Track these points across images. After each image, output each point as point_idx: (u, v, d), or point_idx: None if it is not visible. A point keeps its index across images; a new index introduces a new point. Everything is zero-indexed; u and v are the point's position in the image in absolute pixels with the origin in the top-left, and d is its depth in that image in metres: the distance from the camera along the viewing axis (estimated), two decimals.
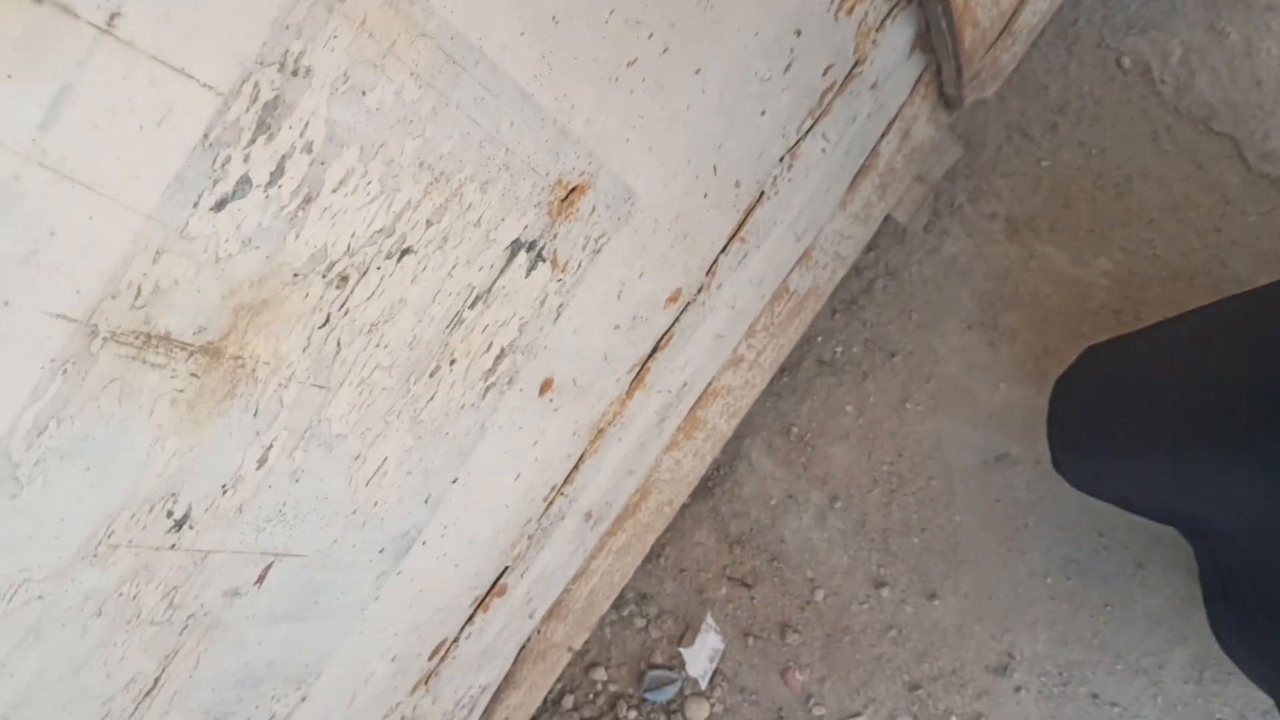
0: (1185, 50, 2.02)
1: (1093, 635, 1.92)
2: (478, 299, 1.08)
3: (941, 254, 2.10)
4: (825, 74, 1.43)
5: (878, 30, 1.49)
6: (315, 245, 0.84)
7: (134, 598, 0.92)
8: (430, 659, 1.54)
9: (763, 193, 1.53)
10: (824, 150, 1.60)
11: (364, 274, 0.91)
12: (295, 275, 0.84)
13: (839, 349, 2.14)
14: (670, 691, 2.12)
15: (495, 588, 1.58)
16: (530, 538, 1.57)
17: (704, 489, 2.17)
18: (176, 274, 0.75)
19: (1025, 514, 1.99)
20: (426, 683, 1.58)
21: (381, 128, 0.83)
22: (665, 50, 1.07)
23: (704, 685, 2.11)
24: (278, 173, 0.77)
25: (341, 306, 0.91)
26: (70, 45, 0.61)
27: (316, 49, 0.73)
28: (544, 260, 1.14)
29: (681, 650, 2.13)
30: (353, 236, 0.87)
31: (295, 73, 0.73)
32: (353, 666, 1.34)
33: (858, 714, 2.03)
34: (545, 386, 1.33)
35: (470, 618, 1.57)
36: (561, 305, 1.24)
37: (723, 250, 1.53)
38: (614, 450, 1.62)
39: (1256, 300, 1.30)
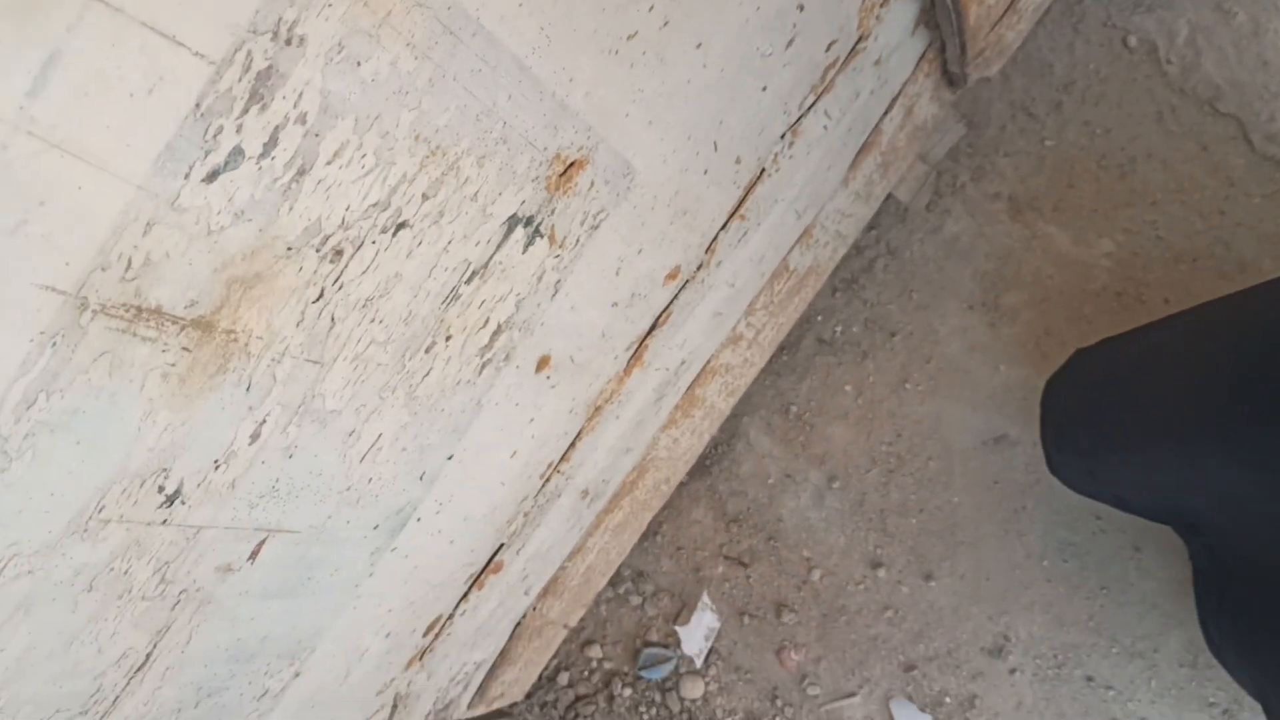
0: (1192, 30, 2.00)
1: (1088, 618, 1.92)
2: (474, 274, 1.07)
3: (943, 233, 2.08)
4: (828, 49, 1.41)
5: (882, 6, 1.47)
6: (309, 218, 0.83)
7: (125, 573, 0.91)
8: (425, 635, 1.54)
9: (764, 169, 1.51)
10: (826, 127, 1.58)
11: (359, 248, 0.90)
12: (289, 249, 0.83)
13: (839, 328, 2.13)
14: (665, 669, 2.12)
15: (491, 564, 1.58)
16: (526, 515, 1.56)
17: (701, 467, 2.17)
18: (168, 246, 0.74)
19: (1023, 496, 1.98)
20: (421, 659, 1.57)
21: (377, 99, 0.81)
22: (666, 23, 1.06)
23: (699, 664, 2.11)
24: (271, 144, 0.76)
25: (336, 281, 0.90)
26: (59, 11, 0.60)
27: (310, 17, 0.72)
28: (541, 236, 1.13)
29: (677, 628, 2.13)
30: (347, 210, 0.86)
31: (289, 41, 0.72)
32: (347, 642, 1.34)
33: (852, 694, 2.03)
34: (542, 363, 1.32)
35: (465, 594, 1.57)
36: (559, 281, 1.23)
37: (722, 227, 1.52)
38: (611, 428, 1.61)
39: (1251, 295, 1.30)
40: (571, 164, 1.09)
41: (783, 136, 1.49)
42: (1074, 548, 1.94)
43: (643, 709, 2.12)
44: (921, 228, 2.10)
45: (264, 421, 0.93)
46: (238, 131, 0.73)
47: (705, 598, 2.13)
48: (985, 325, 2.04)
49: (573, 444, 1.55)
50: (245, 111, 0.72)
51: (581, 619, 2.04)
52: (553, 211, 1.12)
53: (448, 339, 1.09)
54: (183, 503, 0.91)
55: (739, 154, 1.42)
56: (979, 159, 2.08)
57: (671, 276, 1.48)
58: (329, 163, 0.81)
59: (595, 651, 2.17)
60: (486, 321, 1.14)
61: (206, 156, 0.72)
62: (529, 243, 1.12)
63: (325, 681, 1.35)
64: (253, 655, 1.16)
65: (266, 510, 1.01)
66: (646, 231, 1.33)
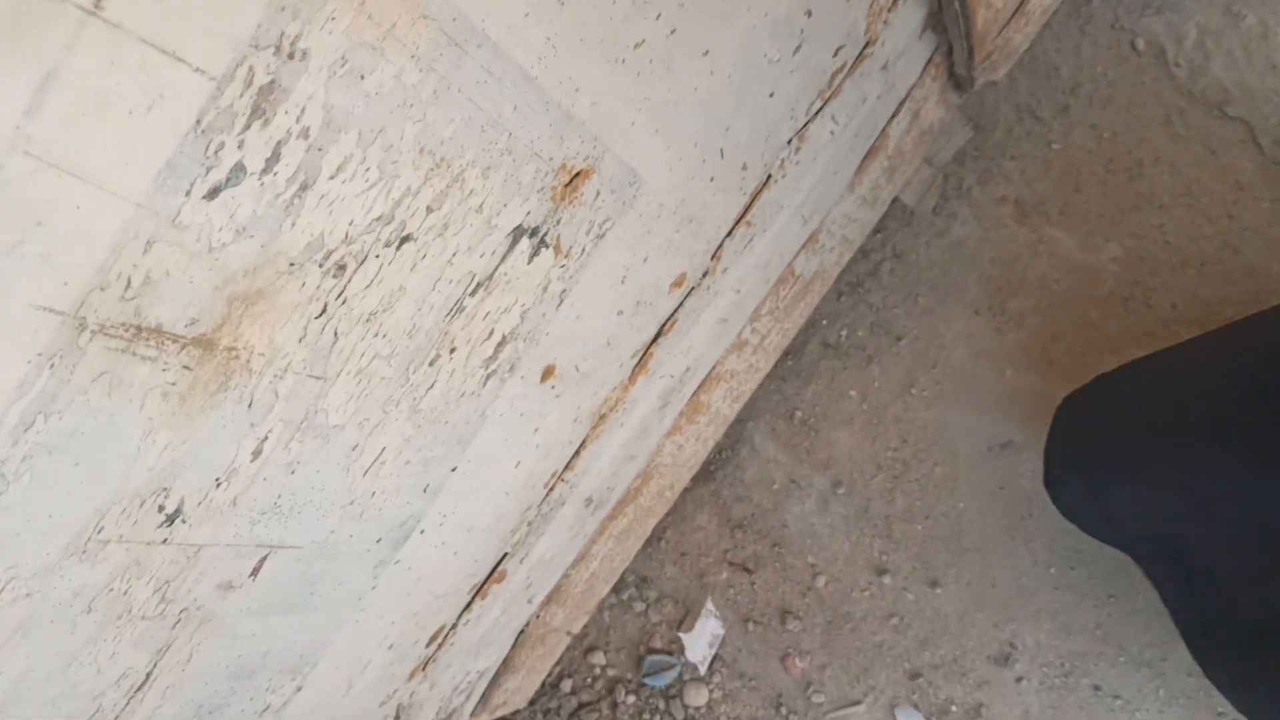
0: (1201, 33, 1.99)
1: (1096, 626, 1.90)
2: (479, 286, 1.05)
3: (949, 237, 2.07)
4: (835, 55, 1.40)
5: (889, 10, 1.45)
6: (312, 233, 0.81)
7: (125, 593, 0.90)
8: (428, 646, 1.53)
9: (770, 176, 1.50)
10: (833, 132, 1.57)
11: (362, 262, 0.88)
12: (291, 264, 0.82)
13: (844, 332, 2.12)
14: (669, 676, 2.10)
15: (494, 574, 1.56)
16: (530, 524, 1.55)
17: (706, 473, 2.15)
18: (168, 264, 0.72)
19: (1029, 502, 1.97)
20: (424, 669, 1.56)
21: (381, 112, 0.80)
22: (673, 31, 1.04)
23: (703, 671, 2.10)
24: (273, 159, 0.74)
25: (339, 295, 0.88)
26: (56, 29, 0.58)
27: (313, 31, 0.70)
28: (547, 246, 1.12)
29: (681, 635, 2.12)
30: (350, 224, 0.84)
31: (291, 56, 0.70)
32: (350, 655, 1.32)
33: (857, 702, 2.02)
34: (547, 373, 1.30)
35: (469, 604, 1.55)
36: (564, 291, 1.21)
37: (728, 234, 1.51)
38: (616, 436, 1.60)
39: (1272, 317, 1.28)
40: (577, 174, 1.07)
41: (789, 142, 1.47)
42: (1081, 555, 1.92)
43: (646, 716, 2.11)
44: (927, 231, 2.08)
45: (266, 438, 0.91)
46: (239, 147, 0.71)
47: (709, 604, 2.12)
48: (991, 330, 2.03)
49: (577, 453, 1.53)
50: (247, 127, 0.71)
51: (585, 626, 2.02)
52: (558, 221, 1.10)
53: (452, 351, 1.08)
54: (183, 521, 0.89)
55: (745, 160, 1.40)
56: (985, 162, 2.06)
57: (677, 284, 1.47)
58: (332, 177, 0.80)
59: (599, 658, 2.16)
60: (491, 333, 1.13)
61: (208, 173, 0.71)
62: (534, 253, 1.10)
63: (327, 695, 1.34)
64: (254, 671, 1.14)
65: (268, 527, 1.00)
66: (652, 239, 1.32)
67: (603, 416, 1.53)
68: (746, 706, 2.07)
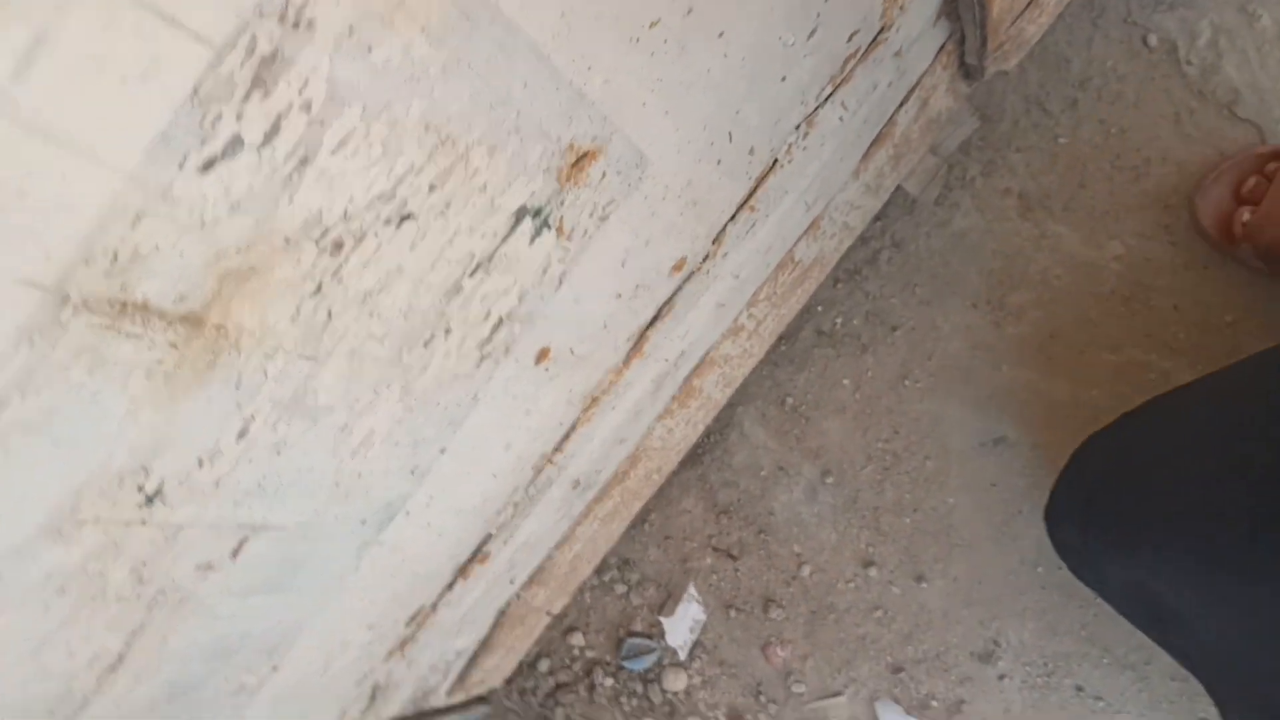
0: (1214, 31, 1.95)
1: (1081, 627, 1.89)
2: (478, 267, 1.02)
3: (951, 228, 2.04)
4: (850, 40, 1.36)
5: None
6: (310, 210, 0.78)
7: (100, 574, 0.86)
8: (407, 625, 1.50)
9: (776, 160, 1.46)
10: (842, 118, 1.53)
11: (360, 240, 0.85)
12: (286, 241, 0.78)
13: (839, 320, 2.09)
14: (648, 660, 2.08)
15: (478, 555, 1.53)
16: (516, 505, 1.52)
17: (694, 457, 2.12)
18: (157, 239, 0.69)
19: (1020, 500, 1.95)
20: (402, 649, 1.53)
21: (387, 87, 0.76)
22: (690, 11, 1.00)
23: (683, 656, 2.08)
24: (272, 132, 0.70)
25: (334, 274, 0.85)
26: None
27: (320, 0, 0.66)
28: (549, 228, 1.08)
29: (662, 619, 2.09)
30: (350, 201, 0.81)
31: (296, 25, 0.66)
32: (329, 636, 1.29)
33: (838, 693, 2.00)
34: (542, 355, 1.27)
35: (450, 585, 1.53)
36: (564, 273, 1.18)
37: (731, 219, 1.47)
38: (607, 419, 1.57)
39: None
40: (584, 154, 1.03)
41: (798, 127, 1.44)
42: None
43: (624, 699, 2.09)
44: (929, 221, 2.05)
45: (253, 419, 0.88)
46: (238, 119, 0.67)
47: (692, 589, 2.10)
48: (989, 324, 2.00)
49: (567, 435, 1.50)
50: (247, 98, 0.67)
51: (565, 606, 2.00)
52: (562, 203, 1.07)
53: (447, 332, 1.04)
54: (163, 502, 0.86)
55: (753, 144, 1.37)
56: (990, 154, 2.03)
57: (677, 268, 1.43)
58: (333, 152, 0.76)
59: (578, 640, 2.13)
60: (488, 314, 1.09)
61: (203, 145, 0.67)
62: (536, 234, 1.07)
63: (305, 674, 1.31)
64: (232, 652, 1.11)
65: (251, 508, 0.96)
66: (656, 223, 1.28)
67: (595, 399, 1.50)
68: (725, 694, 2.06)
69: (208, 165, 0.68)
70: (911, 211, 2.06)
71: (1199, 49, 1.96)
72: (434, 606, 1.52)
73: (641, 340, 1.49)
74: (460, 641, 1.72)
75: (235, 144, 0.69)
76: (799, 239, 1.73)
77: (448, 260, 0.96)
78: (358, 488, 1.10)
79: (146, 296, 0.71)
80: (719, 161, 1.31)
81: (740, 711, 2.04)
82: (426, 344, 1.02)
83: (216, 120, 0.67)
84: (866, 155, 1.73)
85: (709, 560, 2.11)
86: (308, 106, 0.71)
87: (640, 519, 2.13)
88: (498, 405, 1.25)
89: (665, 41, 1.01)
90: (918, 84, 1.71)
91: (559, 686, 2.12)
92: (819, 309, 2.10)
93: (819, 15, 1.23)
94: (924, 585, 1.99)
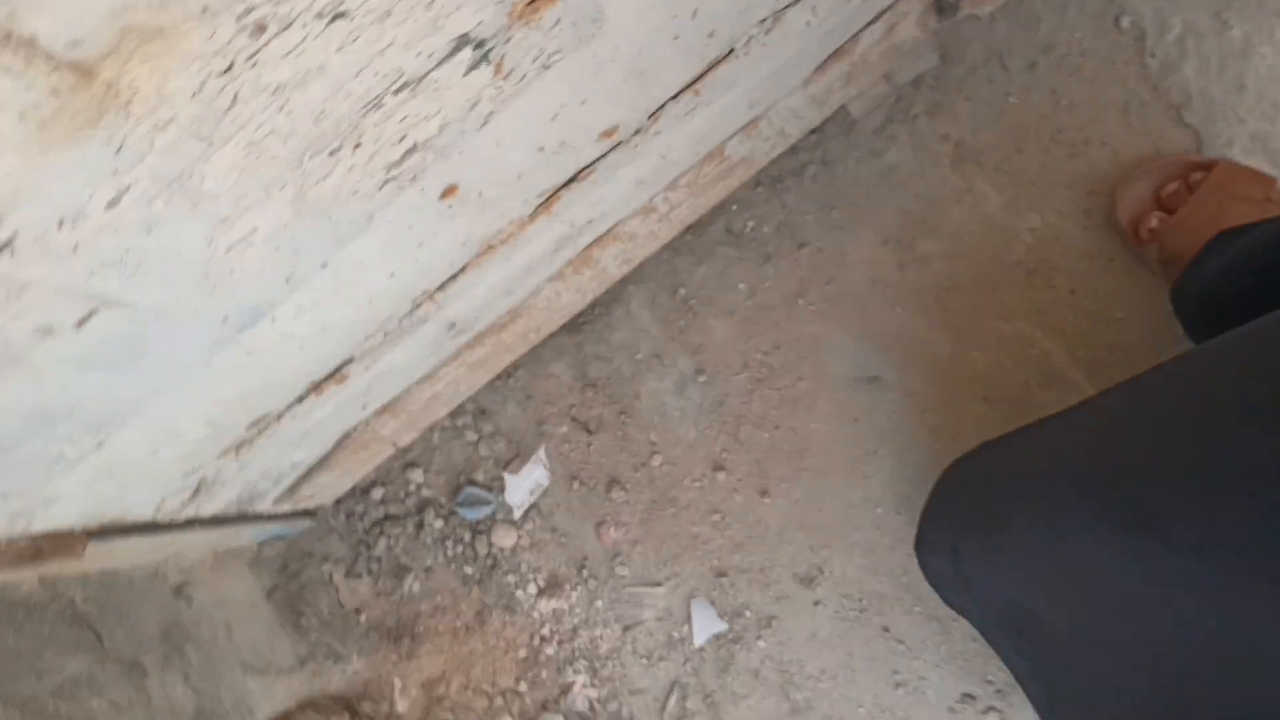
0: (1185, 30, 1.94)
1: (903, 573, 1.94)
2: (405, 86, 0.95)
3: (882, 160, 2.01)
4: None
5: None
6: None
7: None
8: (248, 429, 1.45)
9: (733, 50, 1.40)
10: (808, 23, 1.47)
11: (286, 27, 0.77)
12: (205, 9, 0.70)
13: (751, 224, 2.05)
14: (483, 512, 2.07)
15: (336, 374, 1.48)
16: (387, 335, 1.47)
17: (574, 324, 2.09)
18: None
19: (879, 441, 1.97)
20: (237, 451, 1.48)
21: None
22: None
23: (518, 515, 2.07)
24: None
25: (250, 58, 0.77)
26: None
27: None
28: (488, 63, 1.01)
29: (505, 475, 2.08)
30: None
31: None
32: (162, 424, 1.23)
33: (659, 584, 2.03)
34: (448, 192, 1.21)
35: (302, 398, 1.48)
36: (492, 114, 1.11)
37: (674, 97, 1.42)
38: (499, 269, 1.52)
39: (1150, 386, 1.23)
40: None
41: (763, 22, 1.38)
42: (909, 504, 1.95)
43: (449, 544, 2.08)
44: (863, 148, 2.02)
45: (128, 189, 0.81)
46: None
47: (541, 453, 2.08)
48: (894, 264, 2.00)
49: (454, 276, 1.45)
50: None
51: (412, 441, 1.97)
52: (508, 40, 1.00)
53: (356, 147, 0.98)
54: (11, 255, 0.78)
55: (715, 28, 1.30)
56: (940, 96, 2.00)
57: (607, 134, 1.38)
58: None
59: (417, 476, 2.11)
60: (403, 138, 1.02)
61: None
62: (473, 67, 1.00)
63: (130, 457, 1.25)
64: (56, 421, 1.05)
65: (106, 280, 0.89)
66: (597, 84, 1.22)
67: (492, 247, 1.45)
68: (550, 560, 2.07)
69: None
70: (849, 134, 2.02)
71: (1165, 43, 1.95)
72: (279, 416, 1.47)
73: (553, 199, 1.44)
74: (298, 454, 1.68)
75: None
76: (734, 134, 1.69)
77: (375, 72, 0.89)
78: (226, 284, 1.03)
79: (35, 33, 0.63)
80: (676, 37, 1.25)
81: (560, 580, 2.05)
82: (333, 153, 0.95)
83: None
84: (821, 67, 1.68)
85: (565, 429, 2.10)
86: None
87: (507, 373, 2.09)
88: (391, 232, 1.19)
89: None
90: (890, 8, 1.66)
91: (388, 517, 2.10)
92: (734, 208, 2.06)
93: None
94: (766, 500, 2.01)
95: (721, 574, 2.01)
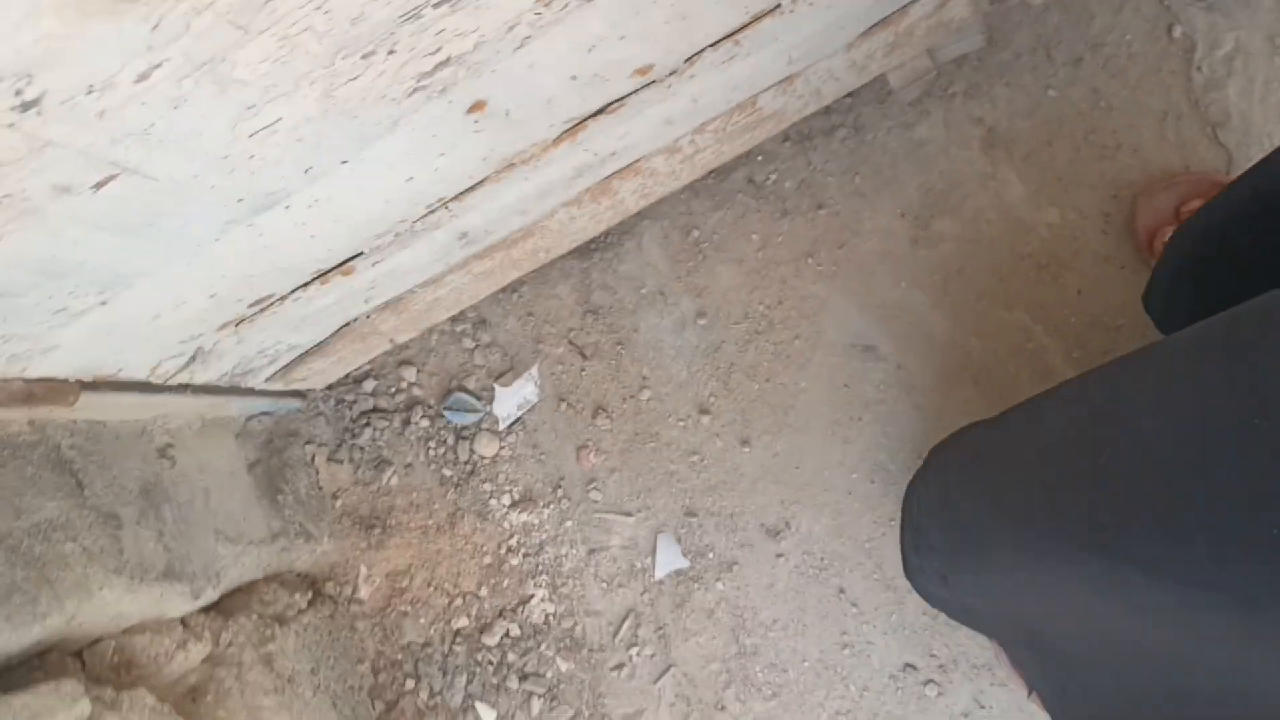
0: (1236, 48, 1.93)
1: (866, 539, 1.98)
2: (445, 0, 0.96)
3: (913, 134, 2.01)
4: None
5: None
6: None
7: None
8: (250, 306, 1.47)
9: (779, 5, 1.40)
10: None
11: None
12: None
13: (774, 176, 2.06)
14: (469, 418, 2.11)
15: (343, 266, 1.51)
16: (398, 235, 1.49)
17: (585, 250, 2.11)
18: None
19: (865, 409, 2.00)
20: (237, 325, 1.51)
21: None
22: None
23: (503, 427, 2.11)
24: None
25: None
26: None
27: None
28: None
29: (496, 386, 2.11)
30: None
31: None
32: (168, 291, 1.26)
33: (629, 514, 2.07)
34: (476, 107, 1.22)
35: (307, 284, 1.50)
36: (529, 38, 1.12)
37: (713, 45, 1.42)
38: (517, 187, 1.53)
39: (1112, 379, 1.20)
40: None
41: None
42: (885, 474, 1.98)
43: (432, 444, 2.12)
44: (896, 119, 2.02)
45: (160, 65, 0.82)
46: None
47: (535, 370, 2.11)
48: (908, 238, 2.01)
49: (472, 188, 1.47)
50: None
51: (409, 340, 2.00)
52: None
53: (390, 53, 0.99)
54: (39, 113, 0.80)
55: None
56: (980, 78, 2.00)
57: (641, 72, 1.38)
58: None
59: (409, 374, 2.14)
60: (438, 50, 1.04)
61: None
62: None
63: (132, 317, 1.28)
64: (63, 274, 1.08)
65: (129, 149, 0.91)
66: (638, 22, 1.23)
67: (512, 165, 1.46)
68: (528, 475, 2.10)
69: None
70: (884, 103, 2.02)
71: (1214, 59, 1.94)
72: (283, 299, 1.50)
73: (579, 127, 1.45)
74: (296, 337, 1.71)
75: None
76: (769, 88, 1.69)
77: None
78: (246, 167, 1.05)
79: None
80: None
81: (534, 496, 2.09)
82: (365, 57, 0.97)
83: None
84: (867, 33, 1.68)
85: (561, 350, 2.12)
86: None
87: (512, 288, 2.12)
88: (415, 139, 1.20)
89: None
90: None
91: (376, 410, 2.13)
92: (759, 158, 2.07)
93: None
94: (745, 449, 2.04)
95: (691, 513, 2.05)
